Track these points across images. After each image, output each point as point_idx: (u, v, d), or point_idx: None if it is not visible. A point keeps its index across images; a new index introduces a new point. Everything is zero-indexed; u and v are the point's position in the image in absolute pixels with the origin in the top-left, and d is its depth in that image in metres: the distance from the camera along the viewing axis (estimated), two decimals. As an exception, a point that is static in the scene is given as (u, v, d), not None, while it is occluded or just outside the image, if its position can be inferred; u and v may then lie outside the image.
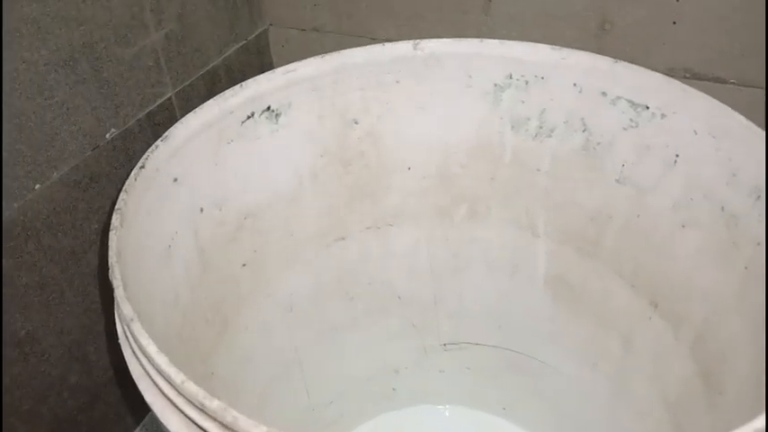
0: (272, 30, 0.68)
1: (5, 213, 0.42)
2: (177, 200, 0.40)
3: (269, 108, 0.45)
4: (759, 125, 0.38)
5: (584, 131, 0.47)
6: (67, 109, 0.45)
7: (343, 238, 0.54)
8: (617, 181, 0.47)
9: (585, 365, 0.53)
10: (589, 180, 0.48)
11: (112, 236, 0.32)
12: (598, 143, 0.47)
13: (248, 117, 0.44)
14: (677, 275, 0.44)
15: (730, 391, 0.38)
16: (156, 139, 0.39)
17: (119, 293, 0.29)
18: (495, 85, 0.48)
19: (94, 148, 0.48)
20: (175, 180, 0.39)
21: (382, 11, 0.62)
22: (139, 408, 0.60)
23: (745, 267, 0.38)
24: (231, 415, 0.25)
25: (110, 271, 0.30)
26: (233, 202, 0.45)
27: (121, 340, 0.31)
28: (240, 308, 0.48)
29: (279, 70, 0.44)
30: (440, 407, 0.65)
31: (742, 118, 0.38)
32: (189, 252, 0.42)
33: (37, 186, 0.44)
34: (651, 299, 0.46)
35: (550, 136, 0.48)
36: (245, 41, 0.65)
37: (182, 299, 0.42)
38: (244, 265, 0.48)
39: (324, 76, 0.46)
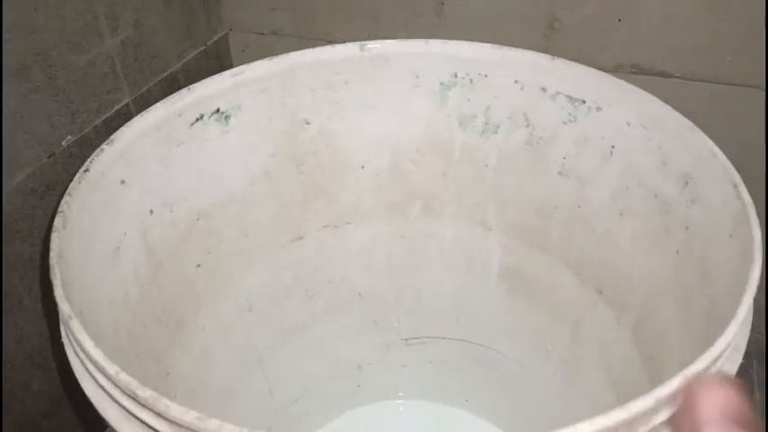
0: (231, 35, 0.69)
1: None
2: (125, 202, 0.40)
3: (218, 110, 0.46)
4: (698, 117, 0.39)
5: (527, 127, 0.48)
6: (21, 117, 0.46)
7: (300, 238, 0.55)
8: (560, 173, 0.48)
9: (539, 354, 0.54)
10: (534, 173, 0.49)
11: (54, 237, 0.32)
12: (541, 137, 0.48)
13: (197, 119, 0.45)
14: (618, 262, 0.45)
15: (667, 371, 0.39)
16: (111, 145, 0.40)
17: (57, 293, 0.30)
18: (442, 83, 0.49)
19: (50, 156, 0.49)
20: (123, 182, 0.40)
21: (340, 14, 0.63)
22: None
23: (677, 252, 0.40)
24: (163, 404, 0.25)
25: (50, 271, 0.31)
26: (184, 203, 0.46)
27: (64, 340, 0.32)
28: (197, 308, 0.49)
29: (227, 73, 0.45)
30: (404, 401, 0.66)
31: (671, 109, 0.39)
32: (138, 253, 0.43)
33: (-9, 194, 0.45)
34: (596, 286, 0.48)
35: (496, 132, 0.50)
36: (204, 47, 0.66)
37: (131, 299, 0.42)
38: (198, 265, 0.49)
39: (273, 77, 0.47)
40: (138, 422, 0.27)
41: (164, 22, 0.59)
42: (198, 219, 0.48)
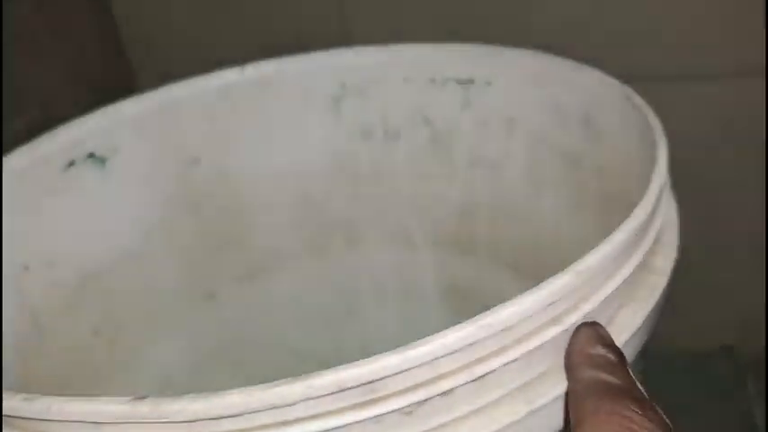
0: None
1: None
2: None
3: (92, 154, 0.42)
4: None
5: (427, 125, 0.46)
6: None
7: (214, 295, 0.50)
8: (470, 166, 0.45)
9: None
10: (446, 173, 0.47)
11: None
12: (443, 132, 0.46)
13: (69, 165, 0.41)
14: (547, 243, 0.42)
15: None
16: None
17: None
18: (333, 97, 0.47)
19: None
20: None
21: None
22: None
23: (598, 202, 0.36)
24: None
25: None
26: (66, 259, 0.41)
27: None
28: (97, 383, 0.43)
29: (97, 112, 0.42)
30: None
31: (551, 56, 0.38)
32: (17, 316, 0.38)
33: None
34: (534, 276, 0.43)
35: (398, 138, 0.47)
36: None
37: (11, 374, 0.36)
38: (95, 332, 0.43)
39: (150, 115, 0.44)
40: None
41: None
42: (86, 278, 0.43)
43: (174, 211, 0.47)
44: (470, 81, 0.43)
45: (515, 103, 0.41)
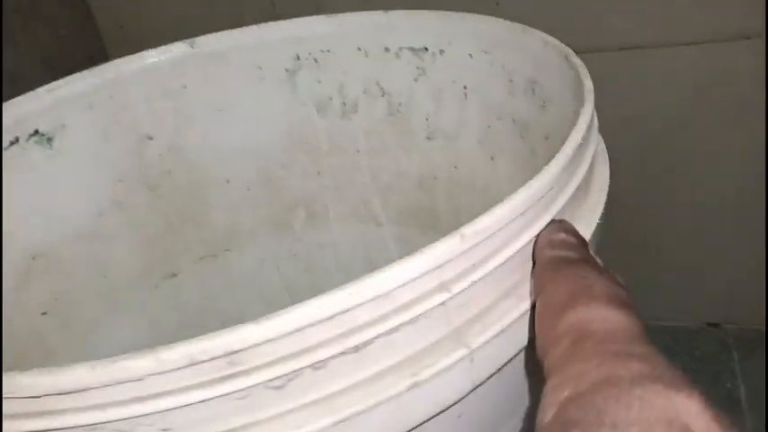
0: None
1: None
2: None
3: (37, 132, 0.41)
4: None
5: (383, 96, 0.44)
6: None
7: (175, 274, 0.49)
8: (428, 138, 0.44)
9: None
10: (405, 146, 0.45)
11: None
12: (399, 104, 0.44)
13: (12, 143, 0.40)
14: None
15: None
16: None
17: None
18: (287, 70, 0.45)
19: None
20: None
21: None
22: None
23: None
24: None
25: None
26: (13, 239, 0.41)
27: None
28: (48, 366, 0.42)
29: (42, 89, 0.41)
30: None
31: (500, 20, 0.36)
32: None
33: None
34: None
35: (356, 111, 0.46)
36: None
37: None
38: (44, 313, 0.42)
39: (98, 90, 0.43)
40: None
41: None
42: (34, 258, 0.42)
43: (129, 190, 0.46)
44: (424, 49, 0.41)
45: (468, 71, 0.39)
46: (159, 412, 0.17)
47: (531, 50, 0.34)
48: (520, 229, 0.21)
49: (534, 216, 0.21)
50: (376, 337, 0.18)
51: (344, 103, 0.46)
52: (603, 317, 0.18)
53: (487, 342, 0.20)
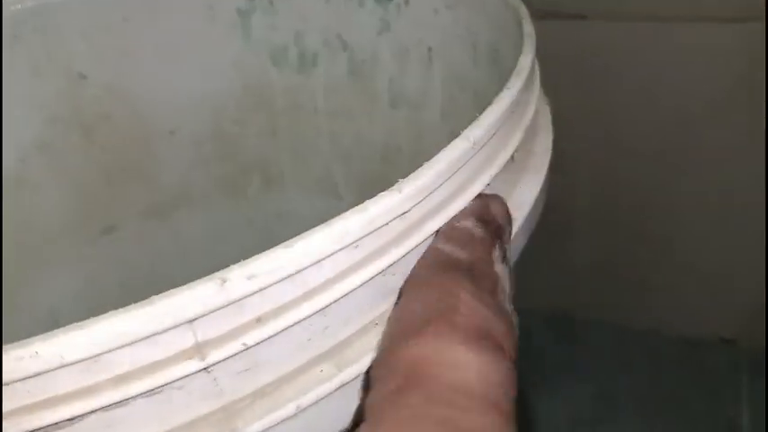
0: None
1: None
2: None
3: (-47, 62, 0.37)
4: None
5: (345, 50, 0.38)
6: None
7: (113, 229, 0.45)
8: (391, 106, 0.37)
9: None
10: (367, 110, 0.39)
11: None
12: (362, 61, 0.38)
13: None
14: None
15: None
16: None
17: None
18: (239, 11, 0.39)
19: None
20: None
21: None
22: None
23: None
24: None
25: None
26: None
27: None
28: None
29: (-43, 16, 0.37)
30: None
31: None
32: None
33: None
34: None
35: (315, 64, 0.40)
36: None
37: None
38: (-41, 264, 0.39)
39: (24, 21, 0.38)
40: None
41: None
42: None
43: (60, 133, 0.41)
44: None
45: (432, 30, 0.33)
46: None
47: (492, 12, 0.27)
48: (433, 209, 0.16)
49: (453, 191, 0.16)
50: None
51: (302, 55, 0.39)
52: (453, 359, 0.13)
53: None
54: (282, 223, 0.47)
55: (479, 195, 0.18)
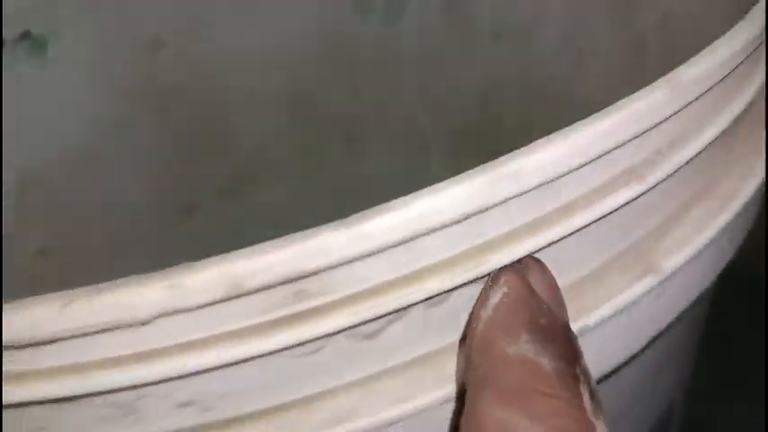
0: None
1: None
2: None
3: (28, 34, 0.34)
4: None
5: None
6: None
7: (191, 210, 0.42)
8: (494, 37, 0.36)
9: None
10: (463, 48, 0.37)
11: None
12: (460, -4, 0.36)
13: (-6, 46, 0.33)
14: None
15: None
16: None
17: None
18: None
19: None
20: None
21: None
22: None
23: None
24: None
25: None
26: (6, 162, 0.34)
27: None
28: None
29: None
30: None
31: None
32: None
33: None
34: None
35: (404, 9, 0.38)
36: None
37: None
38: (40, 252, 0.36)
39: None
40: None
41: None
42: (29, 185, 0.35)
43: (136, 108, 0.39)
44: None
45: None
46: (174, 379, 0.10)
47: None
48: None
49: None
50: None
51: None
52: None
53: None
54: (361, 189, 0.45)
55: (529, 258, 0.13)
